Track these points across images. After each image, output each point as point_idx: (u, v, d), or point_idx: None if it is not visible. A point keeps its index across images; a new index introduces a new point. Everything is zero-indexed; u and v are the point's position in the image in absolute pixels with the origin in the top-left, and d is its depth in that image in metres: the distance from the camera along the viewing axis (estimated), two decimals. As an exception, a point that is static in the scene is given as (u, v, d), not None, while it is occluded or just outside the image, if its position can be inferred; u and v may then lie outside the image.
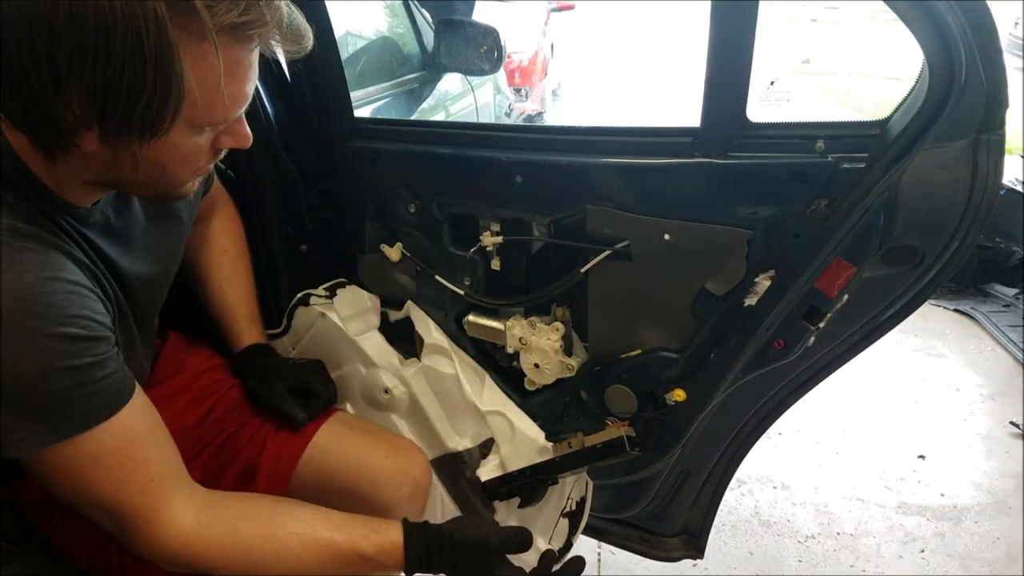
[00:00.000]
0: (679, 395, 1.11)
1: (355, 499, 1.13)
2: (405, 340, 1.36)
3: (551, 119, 6.94)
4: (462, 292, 1.24)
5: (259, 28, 0.69)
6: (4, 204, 0.72)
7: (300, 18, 0.75)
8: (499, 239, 1.16)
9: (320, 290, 1.37)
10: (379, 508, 1.14)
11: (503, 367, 1.30)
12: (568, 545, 1.29)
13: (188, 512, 0.84)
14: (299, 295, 1.37)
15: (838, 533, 2.07)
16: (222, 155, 0.84)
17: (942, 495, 2.22)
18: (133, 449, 0.79)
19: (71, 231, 0.80)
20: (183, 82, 0.66)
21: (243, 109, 0.78)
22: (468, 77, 2.74)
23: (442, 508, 1.40)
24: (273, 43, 0.73)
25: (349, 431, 1.18)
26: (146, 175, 0.76)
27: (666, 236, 1.03)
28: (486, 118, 3.02)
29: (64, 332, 0.70)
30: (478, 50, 2.27)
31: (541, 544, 1.30)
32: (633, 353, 1.14)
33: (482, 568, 0.96)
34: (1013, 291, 3.35)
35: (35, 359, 0.69)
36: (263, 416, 1.17)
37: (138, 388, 0.81)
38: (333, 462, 1.14)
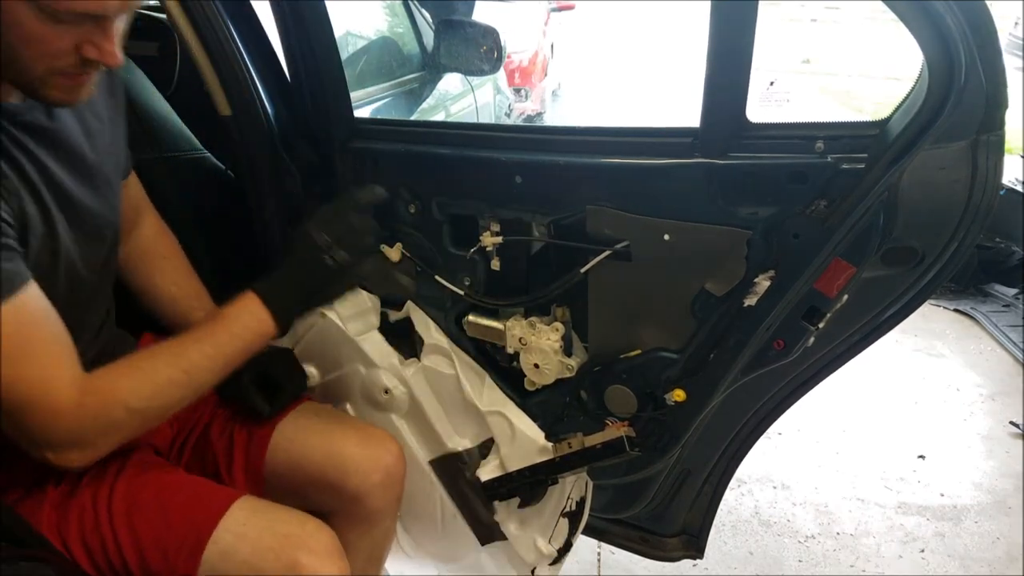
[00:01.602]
0: (679, 395, 1.11)
1: (325, 487, 1.14)
2: (405, 340, 1.36)
3: (551, 119, 6.94)
4: (462, 292, 1.24)
5: None
6: None
7: None
8: (499, 239, 1.16)
9: (320, 290, 1.36)
10: (349, 496, 1.14)
11: (503, 367, 1.30)
12: (568, 545, 1.29)
13: (75, 383, 0.84)
14: (299, 295, 1.36)
15: (838, 533, 2.07)
16: (94, 71, 0.83)
17: (942, 495, 2.23)
18: (31, 336, 0.79)
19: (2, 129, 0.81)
20: None
21: (104, 15, 0.77)
22: (468, 77, 2.74)
23: (442, 508, 1.41)
24: None
25: (316, 419, 1.19)
26: (3, 54, 0.76)
27: (666, 236, 1.03)
28: (486, 118, 3.02)
29: None
30: (478, 50, 2.27)
31: (541, 544, 1.30)
32: (633, 353, 1.14)
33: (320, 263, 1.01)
34: (1013, 291, 3.35)
35: None
36: (231, 408, 1.17)
37: (35, 285, 0.81)
38: (299, 450, 1.15)
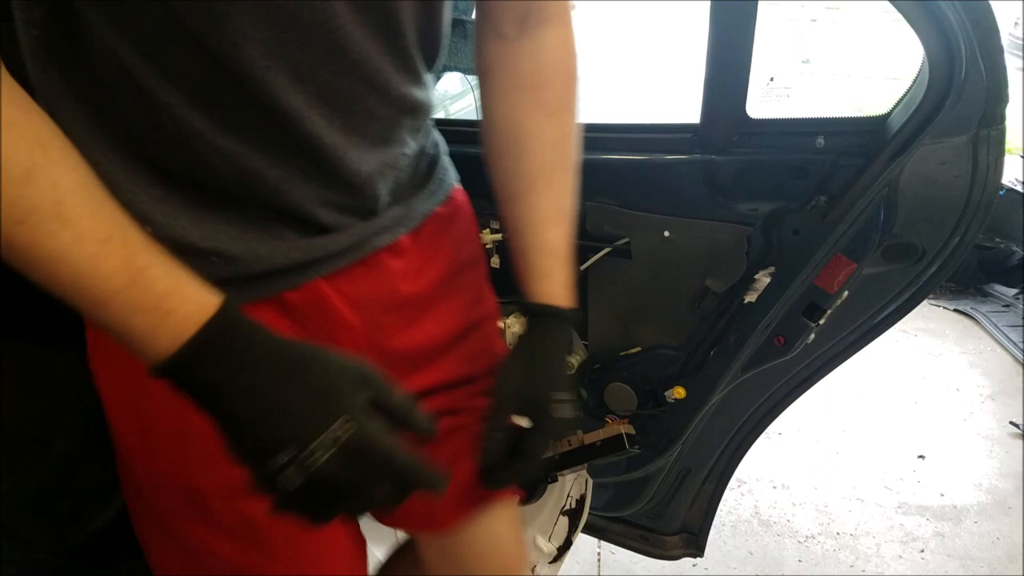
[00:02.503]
0: (679, 393, 1.10)
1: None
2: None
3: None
4: (461, 290, 1.24)
5: None
6: None
7: None
8: (499, 236, 1.16)
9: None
10: None
11: (503, 365, 1.29)
12: (568, 543, 1.29)
13: None
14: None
15: (838, 533, 2.06)
16: None
17: (942, 495, 2.22)
18: None
19: None
20: None
21: None
22: (468, 76, 2.74)
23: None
24: None
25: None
26: None
27: (666, 233, 1.03)
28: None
29: None
30: (478, 49, 2.26)
31: (541, 543, 1.30)
32: (633, 351, 1.14)
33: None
34: (1013, 291, 3.34)
35: None
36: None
37: None
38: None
